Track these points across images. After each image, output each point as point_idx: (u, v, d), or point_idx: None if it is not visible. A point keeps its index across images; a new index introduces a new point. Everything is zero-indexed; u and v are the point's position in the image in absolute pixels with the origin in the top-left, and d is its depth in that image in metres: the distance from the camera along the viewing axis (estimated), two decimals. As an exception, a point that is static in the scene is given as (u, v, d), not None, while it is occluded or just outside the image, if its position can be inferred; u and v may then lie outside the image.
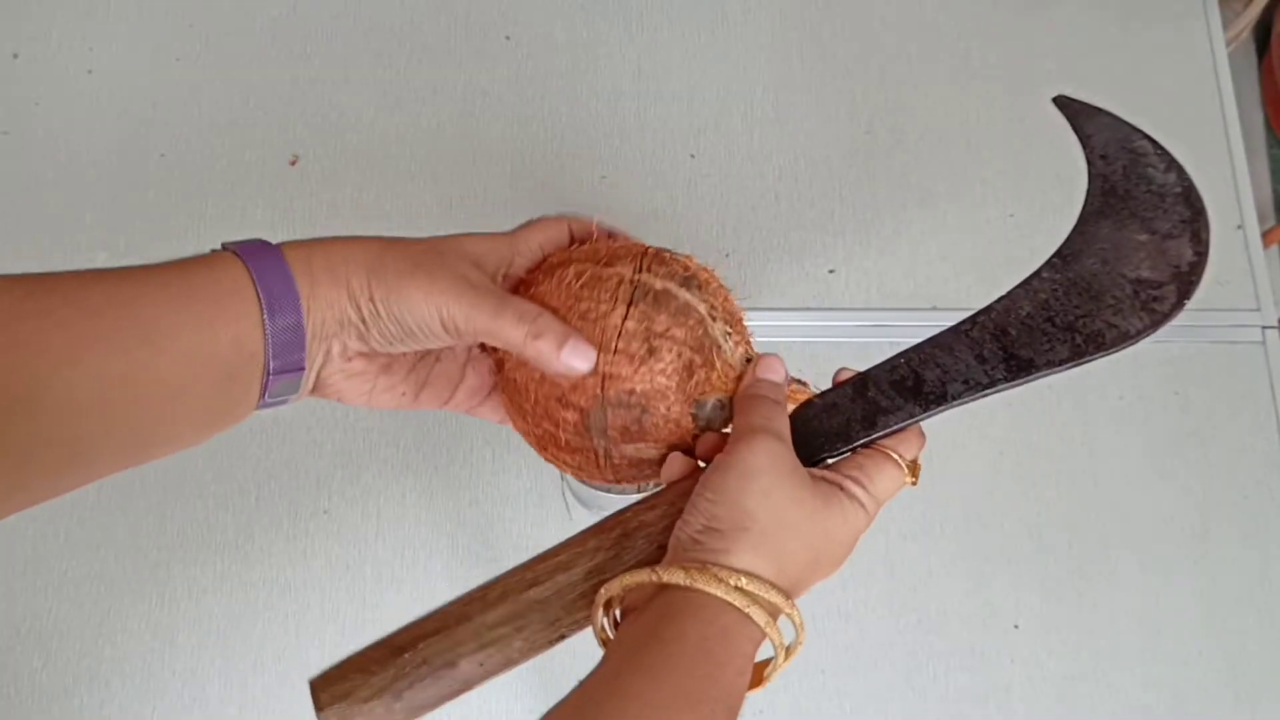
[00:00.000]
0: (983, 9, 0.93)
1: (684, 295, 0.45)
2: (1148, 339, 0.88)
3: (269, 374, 0.42)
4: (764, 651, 0.42)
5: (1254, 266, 0.85)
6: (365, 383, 0.47)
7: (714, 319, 0.46)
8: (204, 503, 0.75)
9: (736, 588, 0.40)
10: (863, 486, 0.45)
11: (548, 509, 0.76)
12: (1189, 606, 0.76)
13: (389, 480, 0.76)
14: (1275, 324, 0.84)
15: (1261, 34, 1.68)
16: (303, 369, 0.43)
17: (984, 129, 0.89)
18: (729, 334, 0.47)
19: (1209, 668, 0.74)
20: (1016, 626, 0.75)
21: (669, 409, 0.45)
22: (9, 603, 0.72)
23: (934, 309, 0.83)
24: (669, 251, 0.47)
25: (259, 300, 0.41)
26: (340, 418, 0.77)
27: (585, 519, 0.75)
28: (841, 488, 0.44)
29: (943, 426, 0.79)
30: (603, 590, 0.43)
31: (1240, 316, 0.84)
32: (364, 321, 0.43)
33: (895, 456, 0.47)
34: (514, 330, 0.43)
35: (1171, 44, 0.93)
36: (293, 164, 0.85)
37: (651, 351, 0.45)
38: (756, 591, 0.40)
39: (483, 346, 0.50)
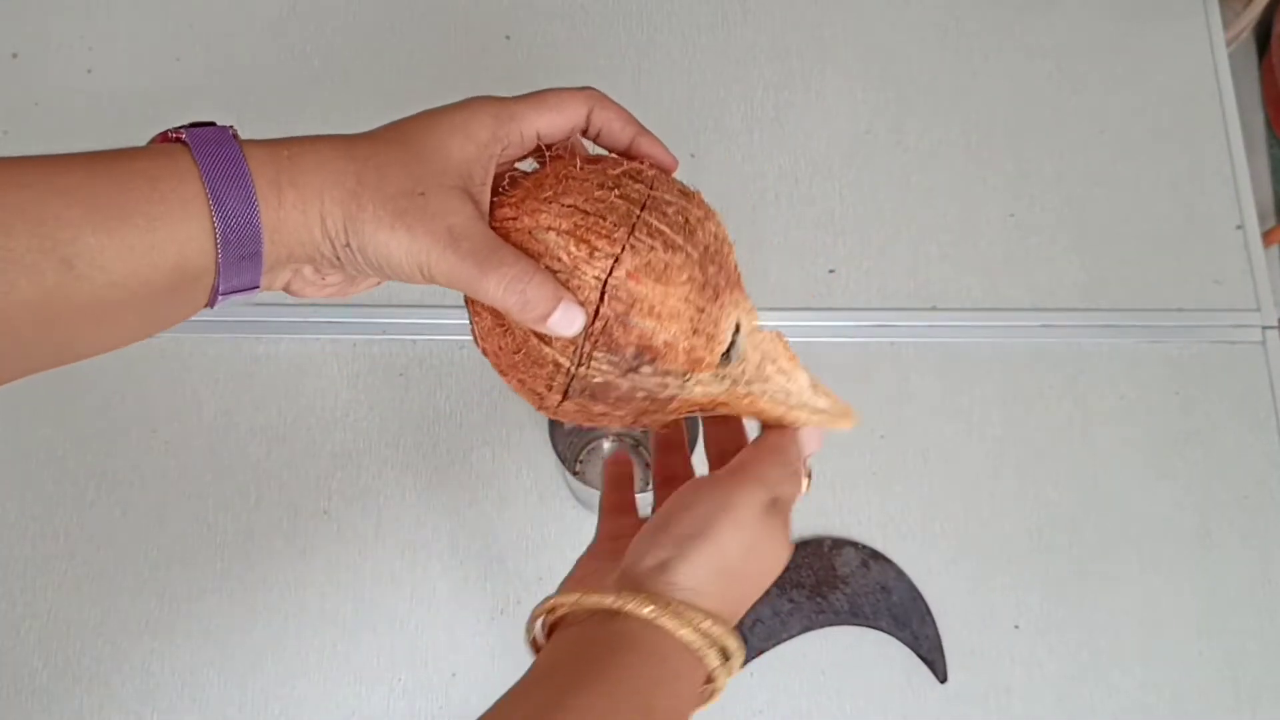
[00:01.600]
0: (983, 9, 0.93)
1: (626, 383, 0.42)
2: (1148, 340, 0.88)
3: (217, 292, 0.39)
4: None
5: (1254, 266, 0.85)
6: (341, 289, 0.44)
7: (665, 387, 0.43)
8: (204, 503, 0.75)
9: (699, 629, 0.39)
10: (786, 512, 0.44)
11: (548, 509, 0.76)
12: (1189, 606, 0.76)
13: (389, 480, 0.76)
14: (1275, 324, 0.84)
15: (1261, 34, 1.68)
16: (256, 287, 0.40)
17: (984, 129, 0.89)
18: (688, 381, 0.43)
19: (1209, 668, 0.74)
20: (1016, 627, 0.75)
21: (623, 427, 0.45)
22: (9, 603, 0.72)
23: (934, 309, 0.83)
24: (639, 285, 0.40)
25: (213, 226, 0.36)
26: (340, 417, 0.77)
27: (585, 519, 0.75)
28: (775, 505, 0.43)
29: (943, 426, 0.79)
30: (551, 603, 0.41)
31: (1240, 316, 0.84)
32: (338, 258, 0.40)
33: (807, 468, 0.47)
34: (499, 297, 0.40)
35: (1171, 44, 0.93)
36: (293, 164, 0.85)
37: (594, 420, 0.44)
38: (718, 636, 0.39)
39: None
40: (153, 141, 0.39)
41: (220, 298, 0.39)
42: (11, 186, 0.34)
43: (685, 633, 0.38)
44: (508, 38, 0.90)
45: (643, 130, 0.46)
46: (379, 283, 0.45)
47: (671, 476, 0.49)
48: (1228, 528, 0.78)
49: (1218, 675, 0.74)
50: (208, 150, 0.37)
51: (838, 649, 0.73)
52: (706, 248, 0.43)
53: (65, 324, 0.35)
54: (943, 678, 0.72)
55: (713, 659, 0.39)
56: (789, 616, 0.72)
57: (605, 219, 0.41)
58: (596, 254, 0.40)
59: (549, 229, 0.41)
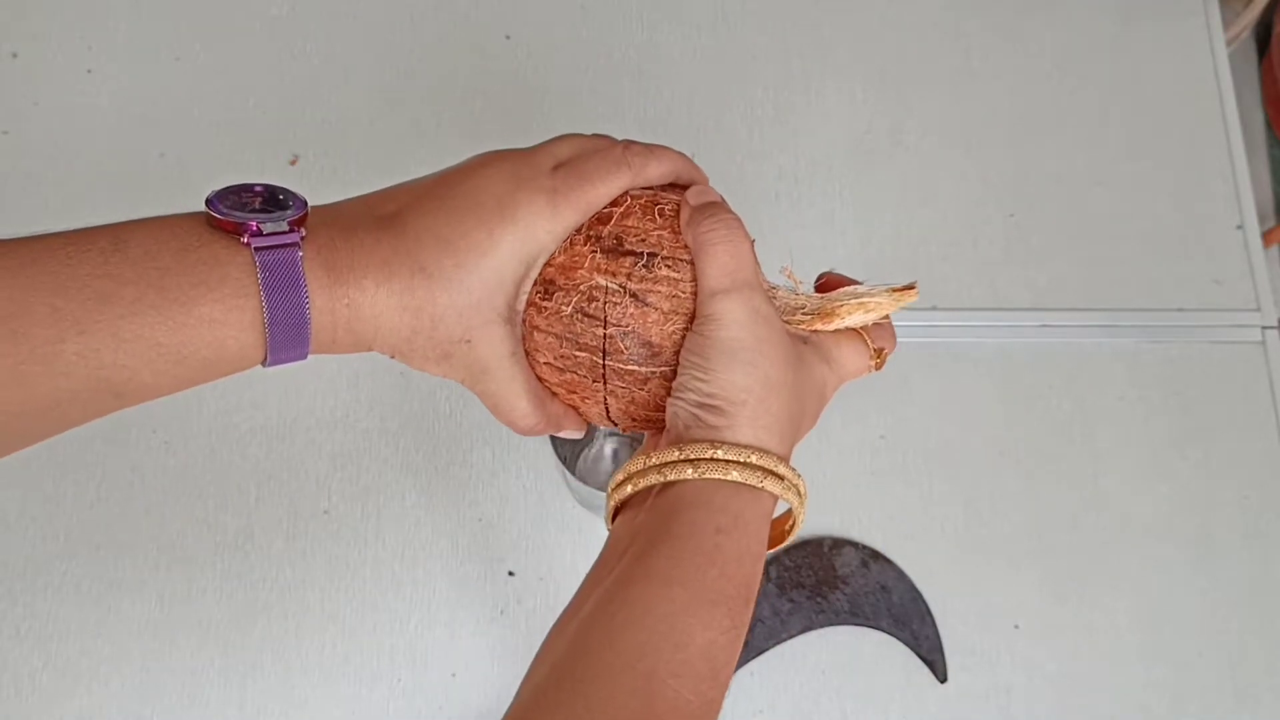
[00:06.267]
0: (983, 9, 0.93)
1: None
2: (1148, 340, 0.88)
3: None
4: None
5: (1254, 266, 0.85)
6: None
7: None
8: (204, 503, 0.75)
9: (747, 464, 0.39)
10: (828, 350, 0.44)
11: (548, 509, 0.76)
12: (1189, 606, 0.76)
13: (389, 480, 0.76)
14: (1275, 324, 0.84)
15: (1261, 34, 1.68)
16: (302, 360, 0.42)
17: (984, 129, 0.89)
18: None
19: (1209, 668, 0.74)
20: (1016, 626, 0.75)
21: None
22: (9, 603, 0.72)
23: (934, 309, 0.83)
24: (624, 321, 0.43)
25: (263, 362, 0.39)
26: (340, 418, 0.77)
27: (585, 519, 0.75)
28: (808, 343, 0.44)
29: (943, 426, 0.79)
30: (613, 484, 0.42)
31: (1240, 316, 0.84)
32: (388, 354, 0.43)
33: (866, 337, 0.45)
34: (539, 430, 0.46)
35: (1171, 44, 0.93)
36: (293, 164, 0.85)
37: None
38: (767, 466, 0.39)
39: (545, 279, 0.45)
40: (219, 205, 0.38)
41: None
42: (73, 331, 0.34)
43: (734, 474, 0.39)
44: (508, 37, 0.90)
45: (690, 172, 0.46)
46: None
47: None
48: (1228, 528, 0.78)
49: (1218, 675, 0.74)
50: (274, 297, 0.37)
51: (838, 649, 0.73)
52: (677, 351, 0.43)
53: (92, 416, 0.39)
54: (943, 678, 0.72)
55: (772, 486, 0.40)
56: (789, 616, 0.72)
57: (578, 374, 0.44)
58: (588, 401, 0.45)
59: (545, 380, 0.45)
